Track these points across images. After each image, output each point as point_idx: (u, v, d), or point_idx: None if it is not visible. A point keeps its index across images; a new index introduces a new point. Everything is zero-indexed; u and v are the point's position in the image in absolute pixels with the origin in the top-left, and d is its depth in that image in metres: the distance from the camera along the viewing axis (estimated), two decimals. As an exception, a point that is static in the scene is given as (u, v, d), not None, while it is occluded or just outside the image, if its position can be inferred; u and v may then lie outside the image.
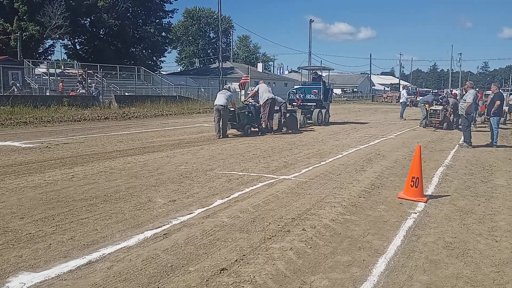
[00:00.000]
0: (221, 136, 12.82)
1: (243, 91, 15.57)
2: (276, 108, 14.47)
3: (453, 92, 23.01)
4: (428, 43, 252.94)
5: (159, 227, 4.61)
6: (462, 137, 12.30)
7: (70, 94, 26.02)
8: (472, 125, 15.85)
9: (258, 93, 14.14)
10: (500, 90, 13.56)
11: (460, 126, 13.53)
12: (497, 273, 3.68)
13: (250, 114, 14.07)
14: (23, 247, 3.99)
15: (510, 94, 21.73)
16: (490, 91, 14.35)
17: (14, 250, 3.91)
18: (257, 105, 14.04)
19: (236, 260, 3.79)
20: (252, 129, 14.20)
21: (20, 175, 7.03)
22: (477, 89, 15.78)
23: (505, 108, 17.31)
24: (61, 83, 28.94)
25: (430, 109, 17.89)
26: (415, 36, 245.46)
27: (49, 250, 3.93)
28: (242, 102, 14.51)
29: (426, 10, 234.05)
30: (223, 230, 4.58)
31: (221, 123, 12.96)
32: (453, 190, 6.69)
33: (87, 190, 6.12)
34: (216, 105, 13.11)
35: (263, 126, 13.99)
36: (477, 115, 17.21)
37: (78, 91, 27.92)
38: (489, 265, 3.85)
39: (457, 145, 12.09)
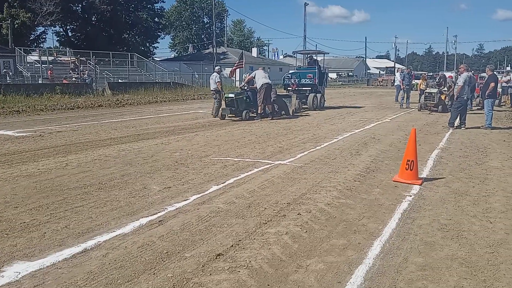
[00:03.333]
0: (216, 116, 14.54)
1: (237, 76, 15.58)
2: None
3: (448, 75, 22.87)
4: (423, 26, 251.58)
5: (154, 214, 4.59)
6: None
7: (63, 82, 25.75)
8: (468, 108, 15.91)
9: (255, 78, 14.14)
10: (495, 72, 13.55)
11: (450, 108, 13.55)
12: (492, 254, 3.70)
13: (248, 100, 14.11)
14: (18, 236, 3.97)
15: (504, 75, 21.66)
16: (485, 74, 14.34)
17: (9, 239, 3.89)
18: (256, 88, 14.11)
19: (232, 246, 3.79)
20: (250, 114, 14.20)
21: (13, 164, 6.97)
22: (472, 71, 15.70)
23: (499, 90, 17.31)
24: (49, 71, 28.59)
25: (425, 92, 17.89)
26: (410, 19, 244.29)
27: (43, 238, 3.91)
28: (240, 87, 14.56)
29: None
30: (219, 216, 4.57)
31: (215, 104, 14.92)
32: (447, 172, 6.71)
33: (81, 178, 6.09)
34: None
35: (259, 112, 14.00)
36: (473, 98, 17.19)
37: (71, 78, 27.65)
38: (483, 246, 3.87)
39: (442, 127, 12.13)
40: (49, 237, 3.94)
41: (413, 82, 23.27)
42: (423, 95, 17.96)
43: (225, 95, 14.05)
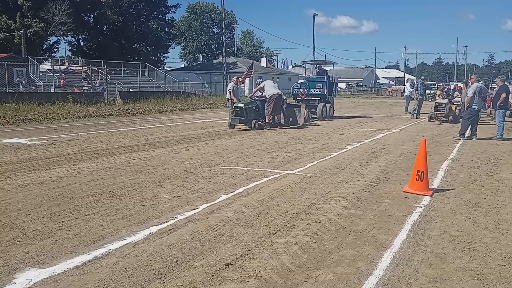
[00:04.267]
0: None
1: (243, 85, 15.74)
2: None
3: (457, 86, 22.75)
4: (433, 37, 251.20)
5: (164, 222, 4.62)
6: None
7: (75, 91, 26.08)
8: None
9: (264, 88, 14.25)
10: (506, 83, 13.46)
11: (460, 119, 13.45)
12: (504, 267, 3.66)
13: (257, 109, 14.22)
14: (30, 243, 4.01)
15: None
16: (495, 84, 14.24)
17: (21, 246, 3.94)
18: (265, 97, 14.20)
19: (241, 255, 3.79)
20: (260, 123, 14.26)
21: (26, 172, 7.06)
22: (481, 82, 15.59)
23: (511, 100, 17.18)
24: (62, 80, 28.99)
25: (435, 102, 17.79)
26: (419, 29, 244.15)
27: (55, 246, 3.95)
28: (249, 97, 14.66)
29: (429, 3, 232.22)
30: (228, 225, 4.58)
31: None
32: (458, 183, 6.66)
33: (93, 186, 6.15)
34: None
35: (266, 121, 14.08)
36: (483, 108, 17.06)
37: (82, 87, 27.99)
38: (495, 258, 3.83)
39: (453, 137, 12.04)
40: (60, 245, 3.98)
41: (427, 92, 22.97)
42: (433, 106, 17.86)
43: (235, 105, 14.12)
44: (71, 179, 6.62)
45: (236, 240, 4.14)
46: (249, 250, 3.91)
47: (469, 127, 11.98)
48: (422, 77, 26.51)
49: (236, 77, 16.48)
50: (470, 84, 12.93)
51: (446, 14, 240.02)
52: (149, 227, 4.48)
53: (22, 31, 34.59)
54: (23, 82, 27.05)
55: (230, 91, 14.90)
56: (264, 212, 5.05)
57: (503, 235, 4.41)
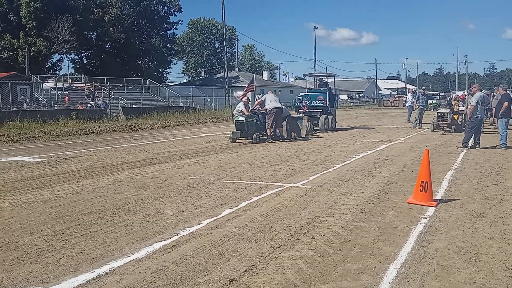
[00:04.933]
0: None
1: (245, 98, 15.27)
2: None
3: (460, 95, 22.73)
4: (433, 47, 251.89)
5: (168, 238, 4.60)
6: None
7: (78, 108, 26.28)
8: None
9: (265, 102, 14.31)
10: (508, 91, 13.47)
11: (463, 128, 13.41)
12: (511, 278, 3.62)
13: (258, 122, 14.27)
14: (33, 262, 4.01)
15: None
16: (494, 93, 14.24)
17: (25, 265, 3.93)
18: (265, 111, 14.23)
19: (246, 271, 3.77)
20: (261, 136, 14.29)
21: (29, 190, 7.08)
22: (484, 91, 15.57)
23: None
24: (67, 97, 29.24)
25: (438, 112, 17.78)
26: (419, 40, 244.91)
27: (59, 264, 3.94)
28: (250, 110, 14.68)
29: (428, 14, 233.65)
30: (232, 240, 4.56)
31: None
32: (463, 193, 6.62)
33: (96, 203, 6.15)
34: None
35: (268, 133, 14.13)
36: (485, 117, 17.01)
37: (86, 104, 28.20)
38: (502, 269, 3.79)
39: (456, 147, 11.99)
40: (64, 263, 3.97)
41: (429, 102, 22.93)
42: (436, 116, 17.84)
43: (235, 118, 14.17)
44: (75, 196, 6.63)
45: (240, 255, 4.12)
46: (253, 265, 3.88)
47: (472, 136, 11.96)
48: (423, 87, 26.59)
49: (246, 97, 15.82)
50: (469, 93, 12.95)
51: (446, 24, 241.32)
52: (153, 243, 4.46)
53: (26, 50, 35.00)
54: (27, 100, 27.28)
55: (243, 110, 14.66)
56: (268, 226, 5.03)
57: (509, 245, 4.37)
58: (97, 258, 4.08)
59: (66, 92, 31.58)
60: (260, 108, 14.73)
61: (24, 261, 4.02)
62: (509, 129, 13.04)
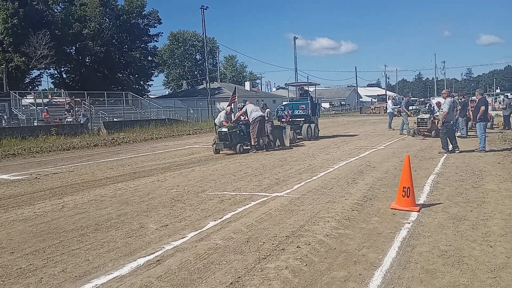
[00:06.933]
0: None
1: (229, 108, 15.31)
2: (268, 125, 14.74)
3: (436, 101, 23.18)
4: (411, 54, 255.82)
5: (152, 253, 4.54)
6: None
7: (56, 122, 25.83)
8: (458, 132, 16.04)
9: (247, 113, 14.33)
10: (485, 95, 13.77)
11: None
12: (494, 279, 3.67)
13: (241, 133, 14.25)
14: (14, 282, 3.90)
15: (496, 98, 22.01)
16: (475, 97, 14.55)
17: (5, 286, 3.82)
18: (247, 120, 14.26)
19: (231, 283, 3.73)
20: (245, 147, 14.28)
21: (9, 209, 6.92)
22: (457, 95, 15.92)
23: (490, 112, 17.46)
24: (45, 112, 28.78)
25: (418, 118, 18.08)
26: (397, 47, 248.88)
27: (40, 284, 3.85)
28: (231, 122, 14.63)
29: (405, 22, 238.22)
30: (217, 252, 4.52)
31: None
32: (445, 197, 6.71)
33: (78, 220, 6.04)
34: None
35: (252, 143, 14.13)
36: (464, 121, 17.34)
37: (65, 119, 27.78)
38: (485, 271, 3.84)
39: (438, 153, 12.17)
40: (46, 282, 3.88)
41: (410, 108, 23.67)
42: (416, 121, 18.13)
43: (218, 129, 14.13)
44: (56, 213, 6.50)
45: (226, 268, 4.09)
46: (239, 277, 3.86)
47: (448, 141, 12.14)
48: (409, 95, 27.40)
49: (230, 107, 15.82)
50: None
51: (423, 32, 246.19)
52: (137, 259, 4.39)
53: (4, 66, 34.43)
54: (5, 117, 26.77)
55: (223, 122, 14.67)
56: (253, 237, 5.01)
57: (491, 247, 4.43)
58: (79, 276, 4.00)
59: (46, 107, 31.09)
60: (242, 118, 14.74)
61: (5, 282, 3.91)
62: (487, 132, 13.31)
